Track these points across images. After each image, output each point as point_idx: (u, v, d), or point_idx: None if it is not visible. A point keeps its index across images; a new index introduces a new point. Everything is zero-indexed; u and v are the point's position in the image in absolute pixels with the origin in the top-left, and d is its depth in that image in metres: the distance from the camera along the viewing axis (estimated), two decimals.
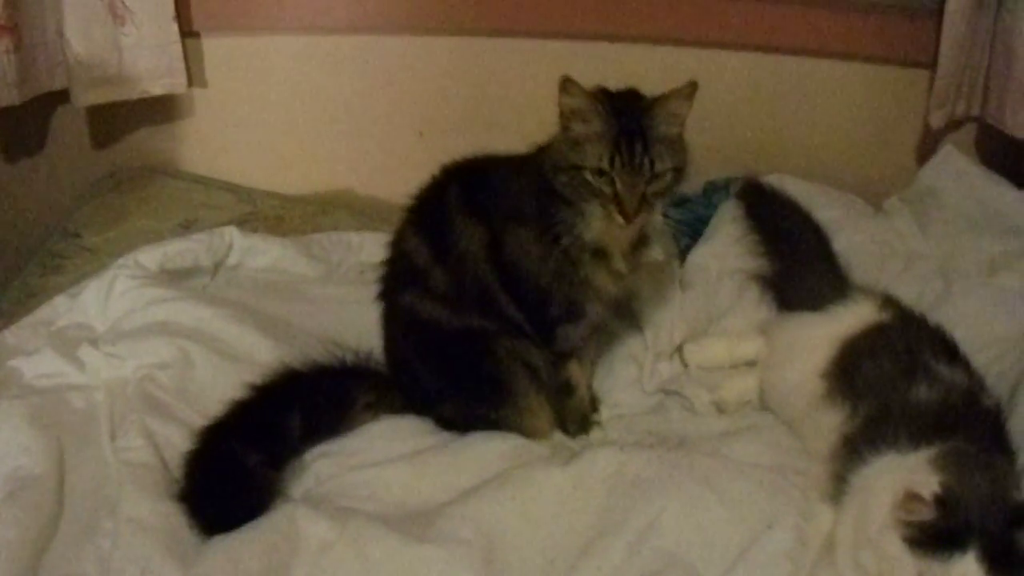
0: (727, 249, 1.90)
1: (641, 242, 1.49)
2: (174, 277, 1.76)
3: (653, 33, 2.12)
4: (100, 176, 2.21)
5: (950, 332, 1.51)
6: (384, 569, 1.23)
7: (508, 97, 2.19)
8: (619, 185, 1.34)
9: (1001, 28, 2.08)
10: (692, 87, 1.37)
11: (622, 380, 1.68)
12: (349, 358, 1.55)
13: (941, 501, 1.12)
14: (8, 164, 2.23)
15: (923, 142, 2.29)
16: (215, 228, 1.89)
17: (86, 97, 2.08)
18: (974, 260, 1.88)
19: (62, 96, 2.11)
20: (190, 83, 2.17)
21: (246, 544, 1.23)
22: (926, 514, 1.12)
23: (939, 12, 2.08)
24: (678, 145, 1.39)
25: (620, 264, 1.46)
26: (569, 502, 1.32)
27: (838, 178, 2.20)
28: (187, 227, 2.00)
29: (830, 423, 1.42)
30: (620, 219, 1.35)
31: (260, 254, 1.89)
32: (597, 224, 1.39)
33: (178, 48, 2.10)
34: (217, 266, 1.86)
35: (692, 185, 2.13)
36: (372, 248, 1.90)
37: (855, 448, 1.32)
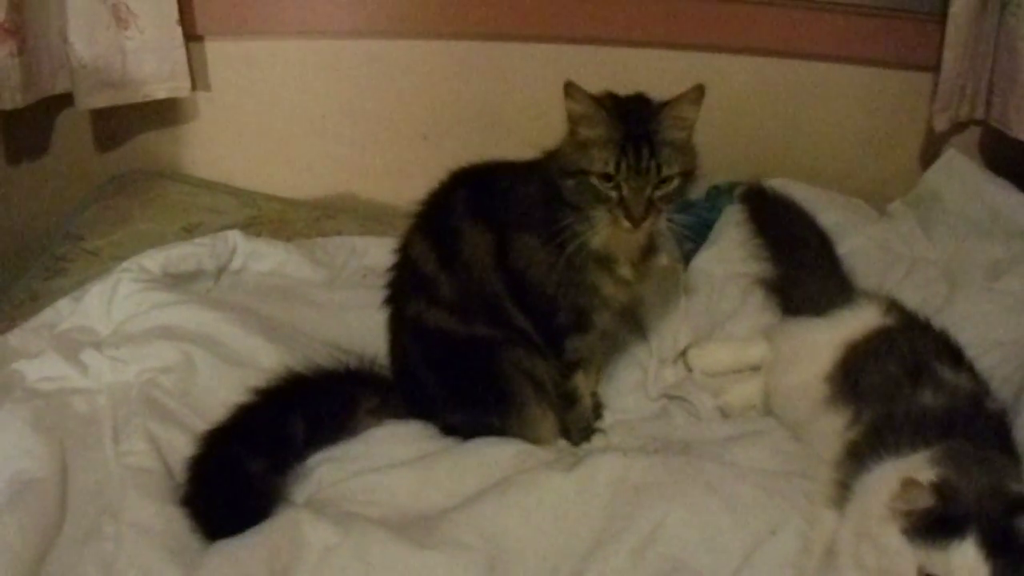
0: (731, 253, 1.90)
1: (650, 250, 1.49)
2: (177, 281, 1.76)
3: (658, 37, 2.12)
4: (103, 179, 2.21)
5: (954, 336, 1.50)
6: (387, 574, 1.22)
7: (513, 101, 2.18)
8: (625, 190, 1.34)
9: (1004, 31, 2.08)
10: (699, 91, 1.36)
11: (626, 385, 1.68)
12: (353, 363, 1.55)
13: (938, 488, 1.11)
14: (12, 167, 2.23)
15: (927, 145, 2.29)
16: (219, 232, 1.89)
17: (90, 101, 2.08)
18: (978, 264, 1.87)
19: (66, 100, 2.11)
20: (194, 87, 2.17)
21: (249, 549, 1.23)
22: (923, 501, 1.11)
23: (942, 15, 2.08)
24: (686, 149, 1.38)
25: (628, 272, 1.46)
26: (573, 508, 1.32)
27: (842, 182, 2.20)
28: (190, 231, 2.00)
29: (834, 428, 1.42)
30: (627, 224, 1.34)
31: (264, 258, 1.89)
32: (604, 230, 1.38)
33: (182, 52, 2.11)
34: (221, 270, 1.85)
35: (696, 189, 2.12)
36: (376, 252, 1.91)
37: (859, 453, 1.32)
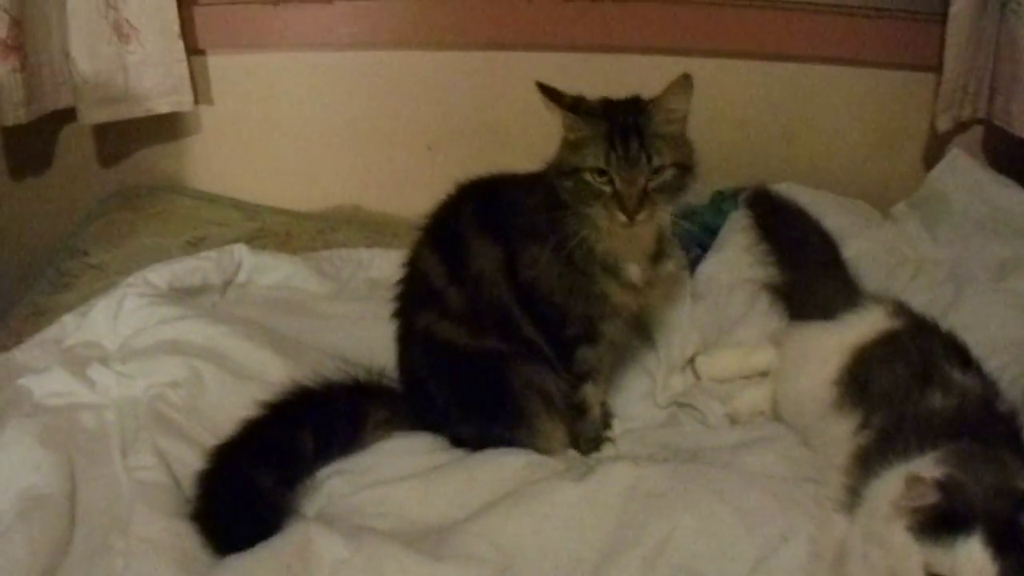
0: (737, 259, 1.89)
1: (658, 256, 1.49)
2: (183, 295, 1.76)
3: (660, 44, 2.12)
4: (107, 194, 2.21)
5: (962, 337, 1.50)
6: None
7: (517, 111, 2.18)
8: (618, 182, 1.34)
9: (1006, 29, 2.08)
10: (686, 80, 1.36)
11: (635, 394, 1.68)
12: (361, 375, 1.55)
13: (942, 485, 1.11)
14: (15, 182, 2.24)
15: (930, 146, 2.29)
16: (224, 246, 1.89)
17: (93, 115, 2.09)
18: (984, 264, 1.87)
19: (69, 115, 2.12)
20: (196, 101, 2.17)
21: (259, 563, 1.22)
22: (928, 497, 1.11)
23: (943, 15, 2.08)
24: (681, 143, 1.39)
25: (636, 277, 1.46)
26: (584, 517, 1.31)
27: (846, 184, 2.20)
28: (195, 244, 2.00)
29: (843, 432, 1.41)
30: (622, 218, 1.35)
31: (269, 271, 1.89)
32: (603, 226, 1.38)
33: (184, 66, 2.11)
34: (226, 284, 1.85)
35: (700, 195, 2.14)
36: (382, 264, 1.91)
37: (868, 457, 1.31)
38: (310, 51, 2.21)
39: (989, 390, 1.40)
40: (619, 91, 1.43)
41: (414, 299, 1.54)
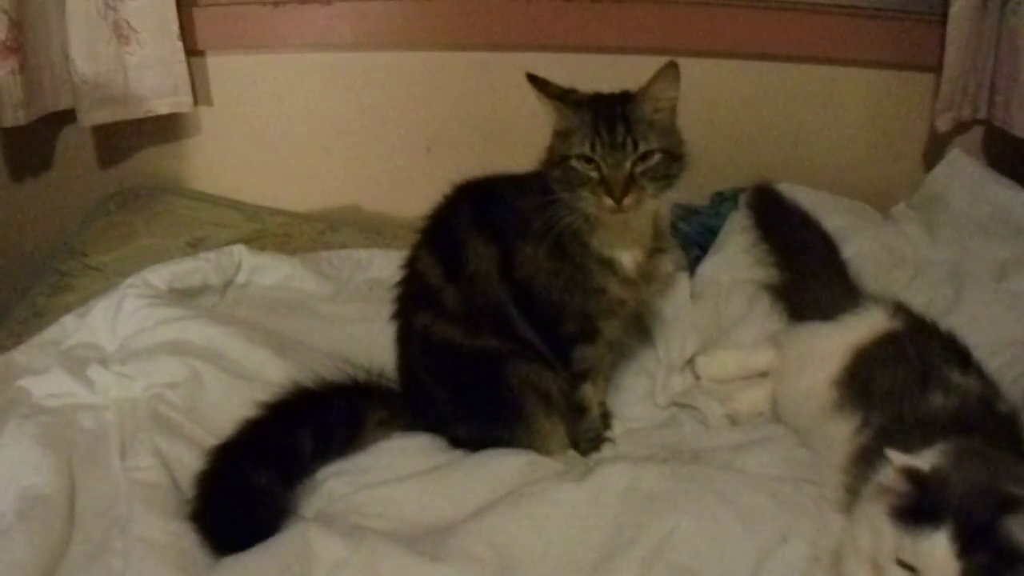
0: (737, 260, 1.89)
1: (654, 250, 1.49)
2: (183, 296, 1.76)
3: (659, 44, 2.12)
4: (107, 195, 2.21)
5: (962, 337, 1.50)
6: None
7: (516, 112, 2.14)
8: (604, 168, 1.35)
9: (1006, 29, 2.08)
10: (672, 68, 1.38)
11: (635, 394, 1.68)
12: (360, 375, 1.55)
13: (920, 475, 1.11)
14: (15, 184, 2.24)
15: (930, 146, 2.28)
16: (223, 247, 1.89)
17: (92, 117, 2.09)
18: (984, 264, 1.87)
19: (68, 116, 2.12)
20: (196, 102, 2.17)
21: (258, 564, 1.22)
22: (900, 484, 1.11)
23: (943, 16, 2.08)
24: (669, 131, 1.40)
25: (630, 269, 1.46)
26: (583, 518, 1.31)
27: (845, 185, 2.19)
28: (195, 245, 2.00)
29: (843, 433, 1.41)
30: (609, 202, 1.35)
31: (269, 272, 1.89)
32: (592, 213, 1.39)
33: (183, 67, 2.11)
34: (226, 285, 1.85)
35: (700, 196, 2.14)
36: (381, 264, 1.91)
37: (868, 457, 1.31)
38: (309, 52, 2.21)
39: (989, 391, 1.40)
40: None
41: (412, 300, 1.54)
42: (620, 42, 2.16)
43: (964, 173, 2.10)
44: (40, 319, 1.76)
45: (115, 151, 2.27)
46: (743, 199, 2.01)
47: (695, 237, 2.04)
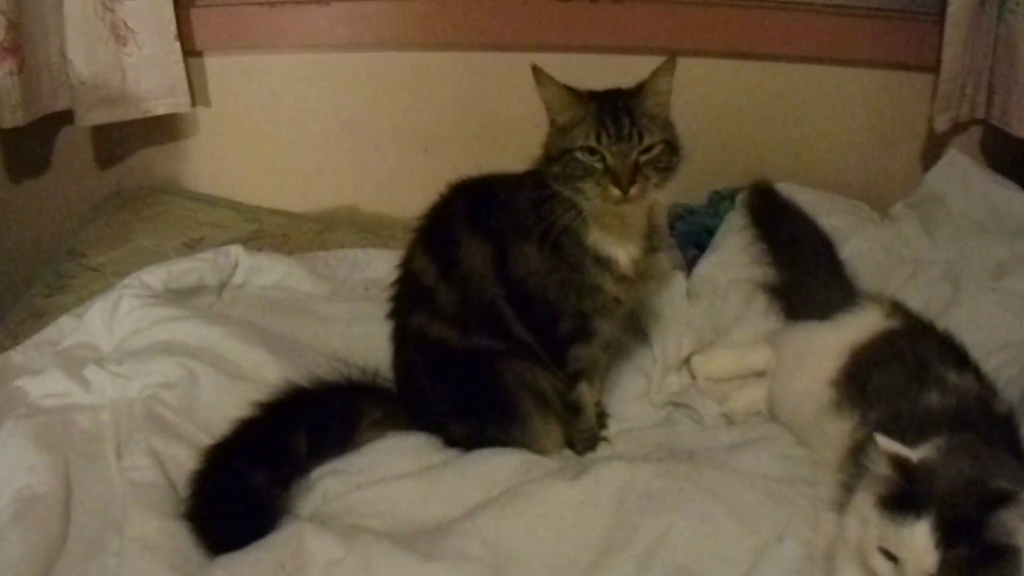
0: (734, 259, 1.89)
1: (650, 247, 1.49)
2: (179, 296, 1.76)
3: (657, 44, 2.11)
4: (105, 196, 2.22)
5: (959, 337, 1.50)
6: None
7: (513, 112, 2.15)
8: (609, 158, 1.36)
9: (1003, 29, 2.08)
10: (671, 61, 1.40)
11: (631, 394, 1.68)
12: (355, 375, 1.55)
13: (896, 460, 1.11)
14: (13, 184, 2.24)
15: (928, 146, 2.29)
16: (220, 247, 1.89)
17: (90, 117, 2.09)
18: (982, 264, 1.87)
19: (66, 117, 2.12)
20: (193, 102, 2.17)
21: (253, 563, 1.22)
22: (884, 470, 1.12)
23: (940, 15, 2.08)
24: (667, 123, 1.41)
25: (626, 265, 1.46)
26: (578, 517, 1.31)
27: (844, 184, 2.20)
28: (192, 246, 2.00)
29: (839, 432, 1.41)
30: (616, 192, 1.35)
31: (266, 272, 1.89)
32: (595, 205, 1.38)
33: (181, 67, 2.11)
34: (223, 285, 1.85)
35: (698, 195, 2.14)
36: (378, 265, 1.91)
37: (863, 454, 1.31)
38: (307, 52, 2.21)
39: (986, 390, 1.40)
40: None
41: (407, 300, 1.54)
42: (617, 42, 2.16)
43: (962, 173, 2.10)
44: (38, 319, 1.76)
45: (113, 152, 2.27)
46: (740, 198, 2.02)
47: (692, 236, 2.05)
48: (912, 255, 1.94)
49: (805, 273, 1.74)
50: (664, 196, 1.43)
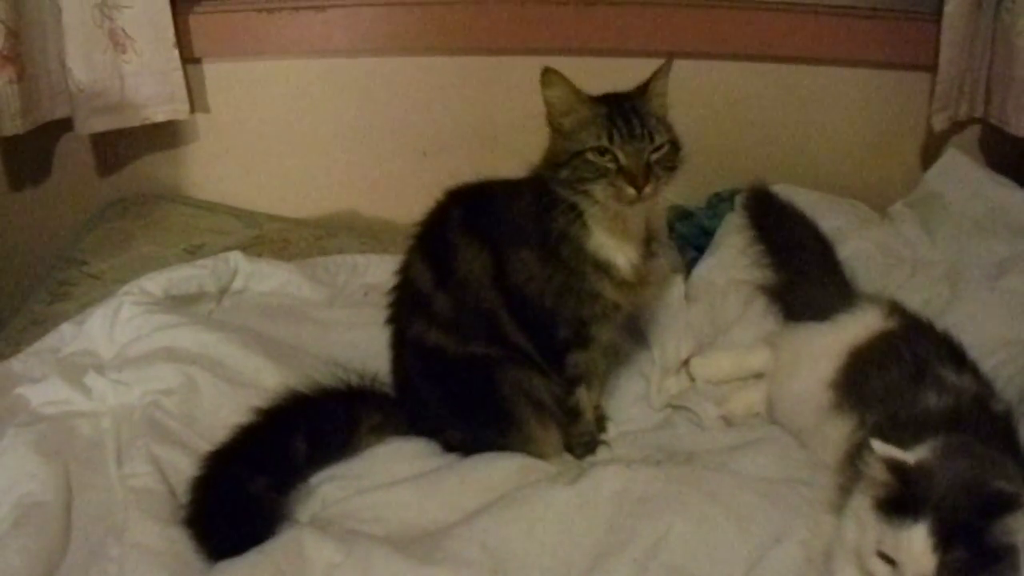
0: (732, 261, 1.89)
1: (650, 252, 1.49)
2: (179, 303, 1.76)
3: (655, 47, 2.11)
4: (105, 203, 2.22)
5: (957, 338, 1.49)
6: None
7: (512, 116, 2.14)
8: (622, 157, 1.36)
9: (1001, 27, 2.08)
10: (668, 63, 1.42)
11: (629, 396, 1.67)
12: (354, 381, 1.55)
13: (902, 467, 1.11)
14: (13, 192, 2.25)
15: (927, 146, 2.28)
16: (220, 253, 1.90)
17: (89, 125, 2.10)
18: (981, 263, 1.86)
19: (65, 125, 2.13)
20: (192, 109, 2.18)
21: (252, 568, 1.23)
22: (880, 474, 1.11)
23: (938, 14, 2.08)
24: (668, 123, 1.43)
25: (627, 271, 1.46)
26: (576, 520, 1.31)
27: (842, 185, 2.19)
28: (193, 252, 2.01)
29: (838, 433, 1.41)
30: (630, 191, 1.36)
31: (265, 278, 1.89)
32: (608, 205, 1.39)
33: (179, 74, 2.11)
34: (222, 291, 1.86)
35: (696, 197, 2.14)
36: (377, 270, 1.91)
37: (861, 455, 1.31)
38: (305, 58, 2.22)
39: (984, 390, 1.40)
40: None
41: (405, 306, 1.54)
42: (615, 45, 2.16)
43: (960, 172, 2.10)
44: (39, 327, 1.76)
45: (113, 159, 2.27)
46: (739, 200, 2.01)
47: (691, 238, 2.05)
48: (911, 255, 1.94)
49: (804, 274, 1.74)
50: (663, 198, 1.44)
